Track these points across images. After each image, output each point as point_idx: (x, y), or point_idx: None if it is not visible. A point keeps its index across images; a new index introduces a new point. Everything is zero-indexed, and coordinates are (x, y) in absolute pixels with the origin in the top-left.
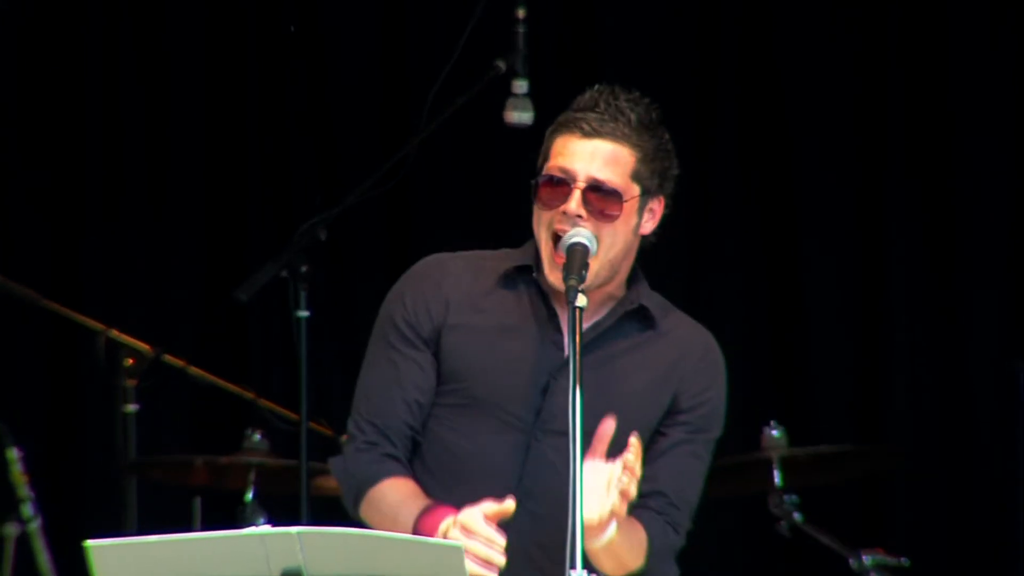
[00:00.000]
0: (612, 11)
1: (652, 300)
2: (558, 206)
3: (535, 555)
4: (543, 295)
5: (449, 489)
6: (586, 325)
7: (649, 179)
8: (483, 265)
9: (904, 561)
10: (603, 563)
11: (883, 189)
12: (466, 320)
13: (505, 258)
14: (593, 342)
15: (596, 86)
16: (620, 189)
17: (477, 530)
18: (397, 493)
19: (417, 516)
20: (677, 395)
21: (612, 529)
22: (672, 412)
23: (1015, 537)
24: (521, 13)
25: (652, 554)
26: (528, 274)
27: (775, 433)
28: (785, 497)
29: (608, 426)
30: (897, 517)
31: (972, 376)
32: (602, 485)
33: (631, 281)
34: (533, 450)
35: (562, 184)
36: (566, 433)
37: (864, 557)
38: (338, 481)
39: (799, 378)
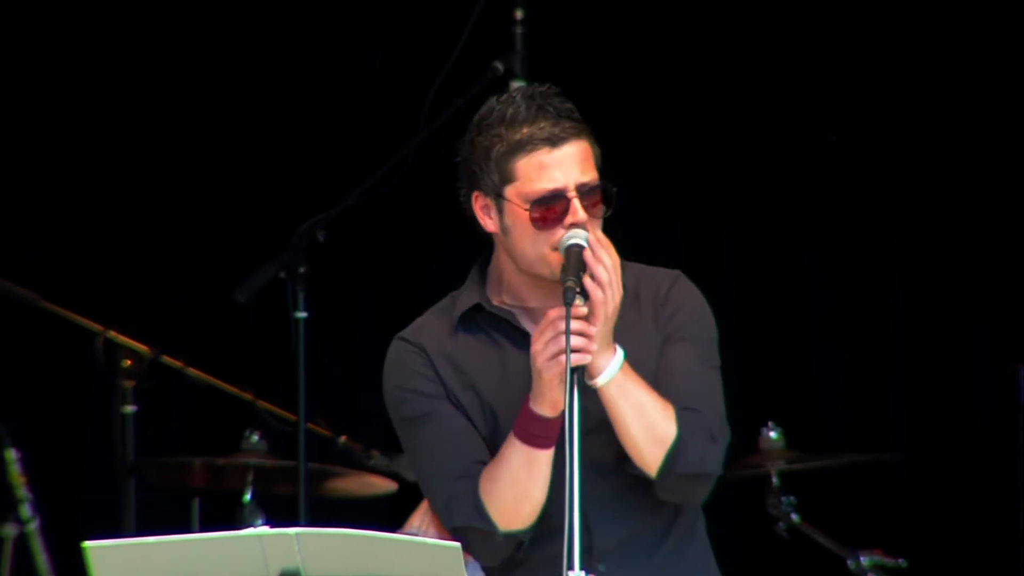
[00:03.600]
0: (610, 12)
1: None
2: (559, 222)
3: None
4: (508, 324)
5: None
6: None
7: (598, 160)
8: (438, 317)
9: (902, 562)
10: (631, 424)
11: (882, 192)
12: (458, 379)
13: (453, 303)
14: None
15: (513, 95)
16: (599, 182)
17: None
18: (491, 463)
19: (513, 431)
20: (662, 328)
21: (619, 357)
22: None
23: (1015, 537)
24: (519, 14)
25: (684, 426)
26: (481, 311)
27: (773, 435)
28: (783, 498)
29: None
30: (895, 518)
31: (972, 377)
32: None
33: None
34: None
35: (557, 201)
36: (595, 430)
37: (862, 558)
38: (461, 530)
39: (797, 379)
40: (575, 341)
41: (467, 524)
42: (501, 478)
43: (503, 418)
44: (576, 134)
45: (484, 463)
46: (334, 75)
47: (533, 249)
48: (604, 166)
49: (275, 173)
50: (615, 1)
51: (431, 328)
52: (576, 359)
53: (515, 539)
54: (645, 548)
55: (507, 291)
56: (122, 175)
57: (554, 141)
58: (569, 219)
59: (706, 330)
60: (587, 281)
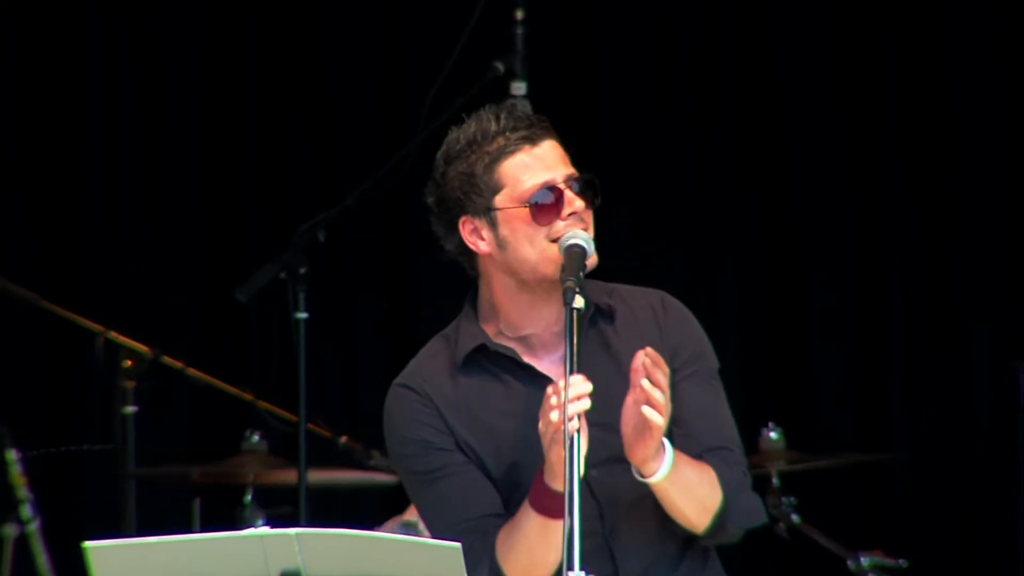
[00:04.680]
0: (610, 12)
1: (598, 294)
2: (558, 214)
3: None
4: (512, 361)
5: None
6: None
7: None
8: (439, 358)
9: (902, 562)
10: (681, 506)
11: (882, 192)
12: (467, 424)
13: (454, 340)
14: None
15: (472, 119)
16: (584, 174)
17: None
18: (507, 527)
19: (528, 500)
20: (667, 355)
21: (670, 454)
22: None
23: (1015, 537)
24: (519, 14)
25: (726, 487)
26: (483, 351)
27: (773, 435)
28: (783, 499)
29: (639, 358)
30: (895, 518)
31: (972, 377)
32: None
33: None
34: (594, 484)
35: (551, 193)
36: (612, 459)
37: (862, 558)
38: None
39: (797, 380)
40: (572, 409)
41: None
42: (517, 545)
43: (520, 456)
44: (549, 133)
45: (498, 515)
46: (334, 75)
47: (534, 249)
48: (604, 166)
49: (275, 173)
50: (615, 1)
51: (431, 373)
52: (574, 421)
53: None
54: (664, 573)
55: (504, 321)
56: (122, 175)
57: (532, 139)
58: (567, 209)
59: (710, 358)
60: (646, 410)
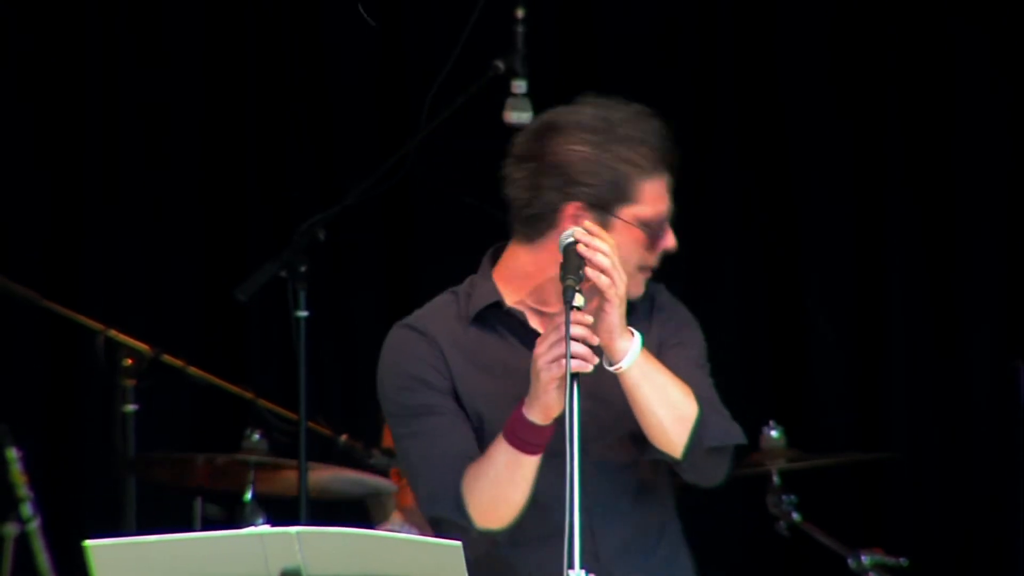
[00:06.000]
0: (611, 11)
1: None
2: (655, 248)
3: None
4: (520, 324)
5: (515, 538)
6: None
7: None
8: (450, 307)
9: (903, 561)
10: (655, 406)
11: (882, 191)
12: (466, 370)
13: (467, 294)
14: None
15: (629, 112)
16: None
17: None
18: (478, 460)
19: (503, 433)
20: (656, 337)
21: (639, 340)
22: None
23: (1015, 537)
24: (520, 13)
25: (702, 400)
26: (499, 310)
27: (774, 433)
28: (784, 497)
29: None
30: (896, 517)
31: (972, 376)
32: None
33: None
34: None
35: (664, 226)
36: (597, 437)
37: (863, 557)
38: (438, 519)
39: (798, 378)
40: (577, 348)
41: (444, 516)
42: (484, 477)
43: (508, 412)
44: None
45: (469, 455)
46: (334, 75)
47: (627, 268)
48: None
49: (276, 172)
50: (615, 1)
51: (439, 319)
52: (576, 366)
53: (489, 536)
54: (644, 551)
55: (534, 293)
56: (122, 175)
57: (670, 170)
58: (664, 244)
59: (697, 334)
60: (589, 271)
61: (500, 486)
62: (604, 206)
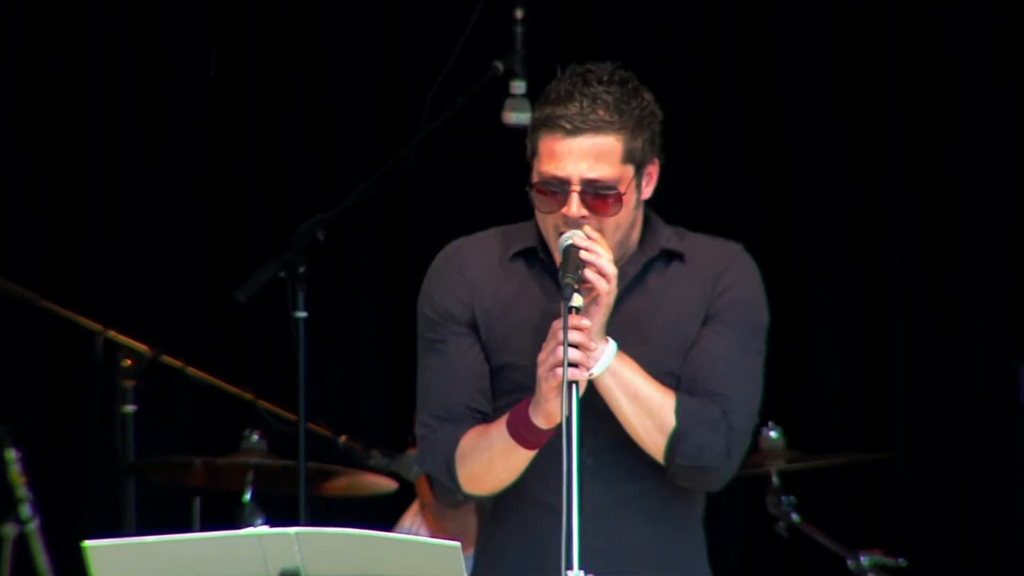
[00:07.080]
0: (611, 12)
1: (670, 238)
2: (558, 210)
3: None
4: (553, 271)
5: (515, 484)
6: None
7: (640, 152)
8: (497, 243)
9: (902, 561)
10: (630, 414)
11: (882, 190)
12: (492, 303)
13: (515, 235)
14: (623, 291)
15: (567, 70)
16: (614, 181)
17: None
18: (478, 432)
19: (505, 420)
20: (709, 304)
21: (612, 348)
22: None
23: (1015, 537)
24: (519, 13)
25: (687, 416)
26: (534, 255)
27: (773, 434)
28: (783, 497)
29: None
30: (895, 518)
31: (972, 376)
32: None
33: (646, 226)
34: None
35: (558, 189)
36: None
37: (862, 557)
38: (428, 474)
39: (797, 379)
40: (574, 355)
41: (434, 475)
42: (478, 453)
43: (525, 360)
44: (600, 127)
45: (475, 410)
46: (334, 75)
47: (542, 226)
48: None
49: (276, 173)
50: (615, 1)
51: (479, 252)
52: (574, 374)
53: (475, 499)
54: (665, 551)
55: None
56: (122, 175)
57: (572, 130)
58: (563, 211)
59: (752, 315)
60: (590, 274)
61: (492, 467)
62: (528, 160)
